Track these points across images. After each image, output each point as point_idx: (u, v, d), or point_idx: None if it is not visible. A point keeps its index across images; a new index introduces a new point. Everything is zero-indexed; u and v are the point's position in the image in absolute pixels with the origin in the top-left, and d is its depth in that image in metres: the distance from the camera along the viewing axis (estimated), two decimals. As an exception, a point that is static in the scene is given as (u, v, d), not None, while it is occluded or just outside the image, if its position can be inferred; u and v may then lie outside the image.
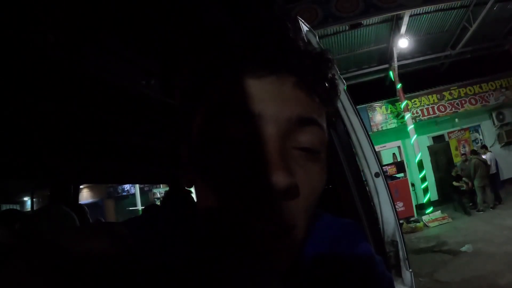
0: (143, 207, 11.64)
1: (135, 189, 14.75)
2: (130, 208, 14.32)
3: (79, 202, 3.55)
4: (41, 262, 0.31)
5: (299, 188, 0.37)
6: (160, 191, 15.11)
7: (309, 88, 0.41)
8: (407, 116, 10.81)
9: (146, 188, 15.76)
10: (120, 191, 16.73)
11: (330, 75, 0.44)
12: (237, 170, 0.38)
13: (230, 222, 0.38)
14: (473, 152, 9.65)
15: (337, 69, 1.49)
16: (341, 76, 1.49)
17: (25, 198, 13.86)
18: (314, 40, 1.46)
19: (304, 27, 1.46)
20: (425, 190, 10.43)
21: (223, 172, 0.38)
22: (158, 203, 11.81)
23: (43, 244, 0.35)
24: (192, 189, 0.47)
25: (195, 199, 0.46)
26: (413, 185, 10.84)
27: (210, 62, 0.41)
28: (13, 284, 0.28)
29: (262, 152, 0.36)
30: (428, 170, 11.36)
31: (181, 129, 0.46)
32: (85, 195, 15.78)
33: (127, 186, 16.22)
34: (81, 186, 8.88)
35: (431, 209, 9.92)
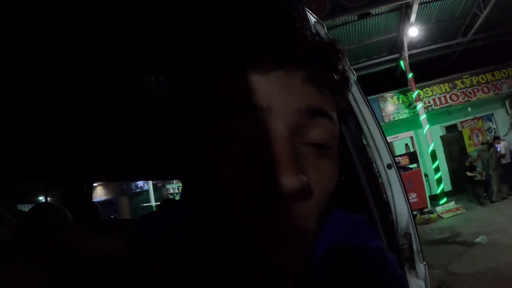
0: (159, 202, 11.76)
1: (149, 185, 14.93)
2: (144, 205, 14.46)
3: (94, 200, 3.60)
4: (49, 261, 0.31)
5: (311, 189, 0.36)
6: (173, 186, 15.23)
7: (319, 81, 0.39)
8: (419, 106, 10.68)
9: (159, 184, 15.91)
10: (133, 188, 16.90)
11: (340, 66, 0.42)
12: (245, 171, 0.35)
13: (238, 224, 0.36)
14: (486, 142, 9.52)
15: (347, 60, 1.48)
16: (351, 67, 1.47)
17: (40, 198, 14.10)
18: (322, 31, 1.45)
19: (312, 19, 1.45)
20: (439, 181, 10.32)
21: (231, 173, 0.36)
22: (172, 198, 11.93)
23: (51, 242, 0.35)
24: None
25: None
26: (426, 175, 10.74)
27: (212, 57, 0.38)
28: (20, 284, 0.28)
29: (272, 151, 0.34)
30: (441, 161, 11.23)
31: (186, 128, 0.44)
32: (99, 193, 15.99)
33: (140, 183, 16.37)
34: (94, 184, 9.01)
35: (444, 200, 9.81)
